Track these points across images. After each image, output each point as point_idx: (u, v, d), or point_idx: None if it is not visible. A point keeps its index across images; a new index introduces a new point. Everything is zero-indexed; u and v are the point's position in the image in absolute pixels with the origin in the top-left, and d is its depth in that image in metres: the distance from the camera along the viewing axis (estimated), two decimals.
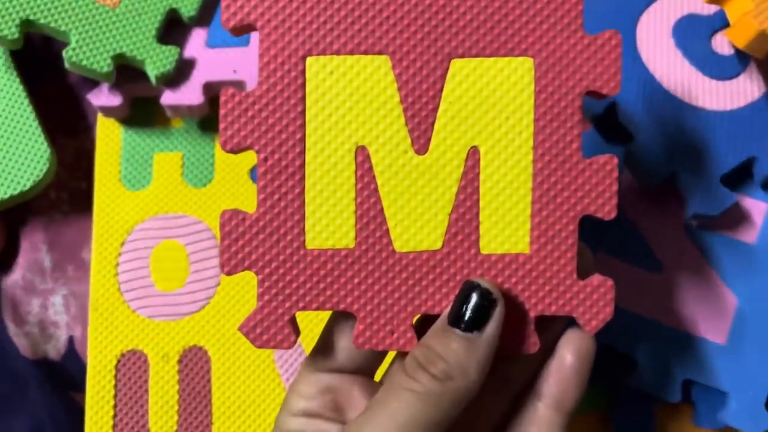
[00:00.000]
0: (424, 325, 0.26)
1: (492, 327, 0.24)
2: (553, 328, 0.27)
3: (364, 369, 0.27)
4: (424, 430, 0.23)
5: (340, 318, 0.27)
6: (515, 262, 0.26)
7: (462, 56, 0.26)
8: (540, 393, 0.27)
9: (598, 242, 0.36)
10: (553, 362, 0.26)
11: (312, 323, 0.36)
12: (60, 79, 0.40)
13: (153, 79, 0.36)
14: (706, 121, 0.36)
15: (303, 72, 0.26)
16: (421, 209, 0.26)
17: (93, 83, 0.38)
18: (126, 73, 0.37)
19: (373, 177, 0.26)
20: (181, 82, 0.37)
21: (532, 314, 0.26)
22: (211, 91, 0.37)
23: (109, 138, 0.39)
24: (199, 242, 0.37)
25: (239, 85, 0.37)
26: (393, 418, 0.23)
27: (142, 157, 0.39)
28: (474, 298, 0.25)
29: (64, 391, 0.37)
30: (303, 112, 0.26)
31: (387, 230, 0.26)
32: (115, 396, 0.35)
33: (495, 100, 0.26)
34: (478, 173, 0.26)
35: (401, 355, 0.27)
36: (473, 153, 0.26)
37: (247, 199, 0.38)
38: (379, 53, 0.26)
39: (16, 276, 0.38)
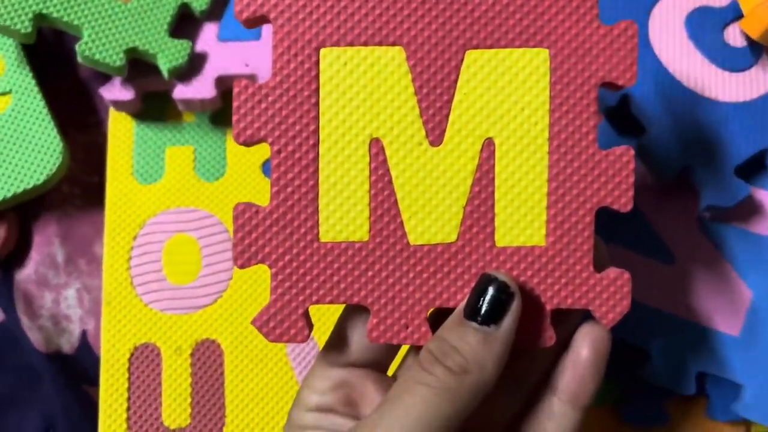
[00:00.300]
0: (437, 319, 0.26)
1: (509, 320, 0.24)
2: (569, 321, 0.27)
3: (378, 363, 0.27)
4: (440, 425, 0.23)
5: (354, 312, 0.27)
6: (531, 254, 0.26)
7: (477, 47, 0.25)
8: (556, 388, 0.26)
9: (612, 235, 0.36)
10: (568, 357, 0.26)
11: (324, 317, 0.36)
12: (72, 74, 0.40)
13: (165, 73, 0.37)
14: (719, 112, 0.35)
15: (317, 63, 0.25)
16: (435, 201, 0.26)
17: (105, 78, 0.38)
18: (138, 67, 0.37)
19: (388, 169, 0.26)
20: (193, 76, 0.37)
21: (548, 307, 0.26)
22: (223, 84, 0.37)
23: (121, 132, 0.39)
24: (211, 236, 0.38)
25: (251, 78, 0.37)
26: (408, 413, 0.23)
27: (154, 151, 0.39)
28: (491, 291, 0.24)
29: (77, 384, 0.37)
30: (316, 103, 0.25)
31: (401, 223, 0.26)
32: (129, 389, 0.35)
33: (510, 91, 0.25)
34: (493, 165, 0.26)
35: (415, 349, 0.27)
36: (488, 144, 0.26)
37: (259, 192, 0.38)
38: (393, 44, 0.25)
39: (29, 270, 0.38)
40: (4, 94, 0.37)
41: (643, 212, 0.37)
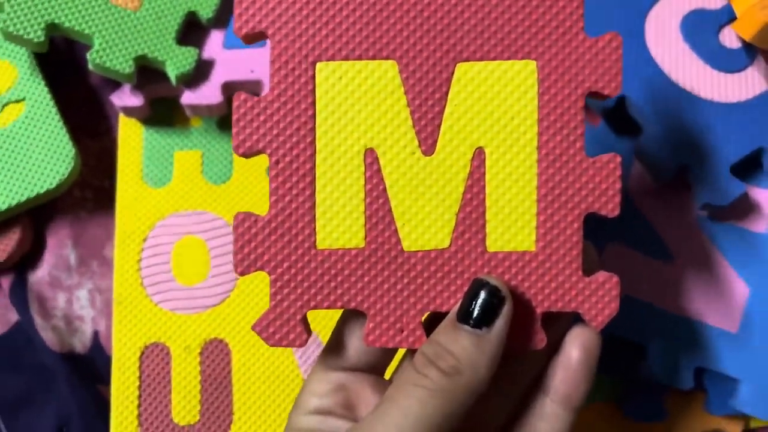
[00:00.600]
0: (432, 324, 0.26)
1: (500, 323, 0.25)
2: (560, 324, 0.28)
3: (375, 367, 0.28)
4: (435, 426, 0.24)
5: (351, 317, 0.27)
6: (522, 259, 0.26)
7: (467, 60, 0.26)
8: (548, 389, 0.27)
9: (612, 233, 0.36)
10: (560, 358, 0.27)
11: (327, 317, 0.37)
12: (83, 82, 0.41)
13: (173, 80, 0.38)
14: (715, 113, 0.36)
15: (313, 77, 0.26)
16: (428, 209, 0.26)
17: (115, 85, 0.39)
18: (147, 74, 0.38)
19: (382, 178, 0.26)
20: (201, 82, 0.38)
21: (539, 311, 0.26)
22: (230, 90, 0.38)
23: (131, 137, 0.40)
24: (218, 238, 0.39)
25: (257, 84, 0.38)
26: (404, 414, 0.24)
27: (163, 155, 0.40)
28: (482, 295, 0.25)
29: (90, 383, 0.38)
30: (313, 115, 0.26)
31: (395, 230, 0.26)
32: (140, 387, 0.36)
33: (499, 101, 0.26)
34: (484, 173, 0.26)
35: (411, 352, 0.28)
36: (479, 153, 0.26)
37: (265, 195, 0.39)
38: (387, 58, 0.26)
39: (42, 272, 0.39)
40: (18, 101, 0.39)
41: (642, 211, 0.37)
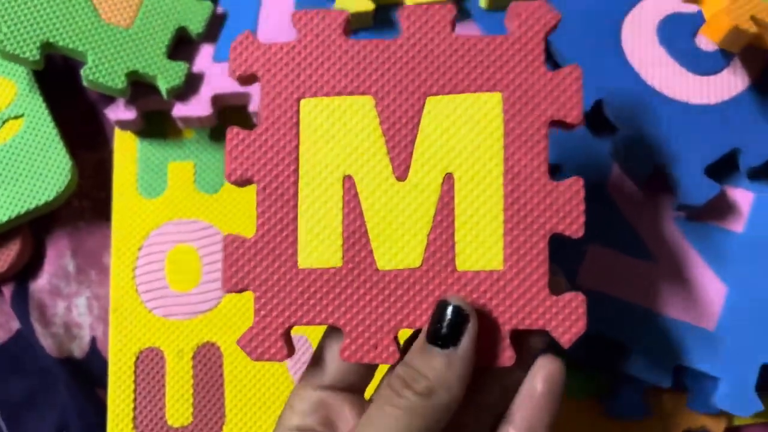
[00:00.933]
0: (412, 340, 0.28)
1: (466, 341, 0.26)
2: (532, 346, 0.28)
3: (355, 386, 0.29)
4: None
5: (332, 335, 0.29)
6: (490, 278, 0.28)
7: (436, 94, 0.28)
8: (512, 419, 0.28)
9: (593, 234, 0.37)
10: (524, 389, 0.28)
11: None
12: (81, 98, 0.43)
13: (164, 93, 0.39)
14: (691, 115, 0.37)
15: (297, 112, 0.29)
16: (401, 230, 0.28)
17: (110, 99, 0.40)
18: (140, 88, 0.40)
19: (359, 202, 0.28)
20: (191, 95, 0.39)
21: (507, 328, 0.27)
22: (219, 102, 0.40)
23: (126, 150, 0.41)
24: (210, 245, 0.40)
25: (245, 96, 0.40)
26: None
27: (157, 166, 0.41)
28: (448, 315, 0.26)
29: (88, 387, 0.39)
30: (297, 146, 0.29)
31: (371, 250, 0.28)
32: (135, 390, 0.38)
33: (467, 130, 0.28)
34: (453, 196, 0.28)
35: (390, 372, 0.29)
36: (448, 178, 0.28)
37: (254, 204, 0.40)
38: (363, 93, 0.29)
39: (43, 281, 0.41)
40: (17, 117, 0.40)
41: (622, 212, 0.38)
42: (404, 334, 0.29)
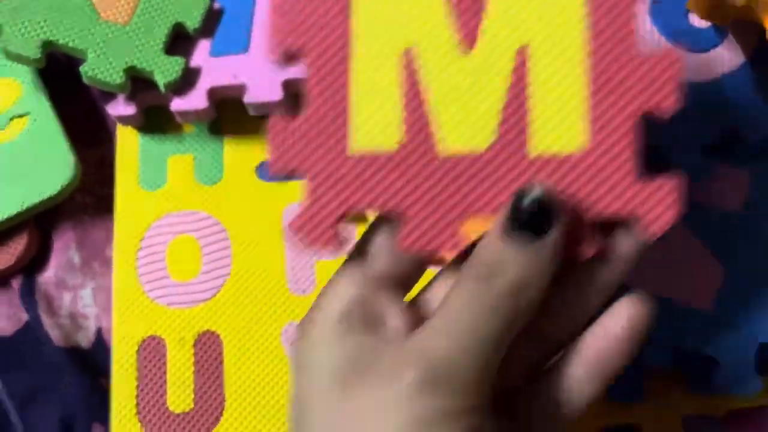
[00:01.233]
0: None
1: (555, 233, 0.23)
2: (617, 245, 0.26)
3: (400, 281, 0.26)
4: (493, 340, 0.23)
5: (380, 225, 0.26)
6: (568, 162, 0.25)
7: None
8: (583, 351, 0.25)
9: None
10: (603, 321, 0.25)
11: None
12: (84, 96, 0.44)
13: (162, 88, 0.40)
14: (686, 92, 0.36)
15: None
16: (467, 110, 0.25)
17: (112, 96, 0.41)
18: (139, 85, 0.40)
19: (419, 78, 0.26)
20: (188, 89, 0.40)
21: (589, 216, 0.25)
22: (215, 95, 0.40)
23: (128, 145, 0.42)
24: (210, 236, 0.41)
25: (240, 88, 0.40)
26: (471, 332, 0.23)
27: (158, 160, 0.42)
28: (531, 202, 0.23)
29: (94, 376, 0.40)
30: (348, 16, 0.26)
31: (433, 132, 0.25)
32: (137, 378, 0.39)
33: None
34: (528, 71, 0.25)
35: (443, 273, 0.26)
36: (522, 50, 0.25)
37: (253, 194, 0.41)
38: None
39: (49, 273, 0.42)
40: (22, 115, 0.41)
41: None
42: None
